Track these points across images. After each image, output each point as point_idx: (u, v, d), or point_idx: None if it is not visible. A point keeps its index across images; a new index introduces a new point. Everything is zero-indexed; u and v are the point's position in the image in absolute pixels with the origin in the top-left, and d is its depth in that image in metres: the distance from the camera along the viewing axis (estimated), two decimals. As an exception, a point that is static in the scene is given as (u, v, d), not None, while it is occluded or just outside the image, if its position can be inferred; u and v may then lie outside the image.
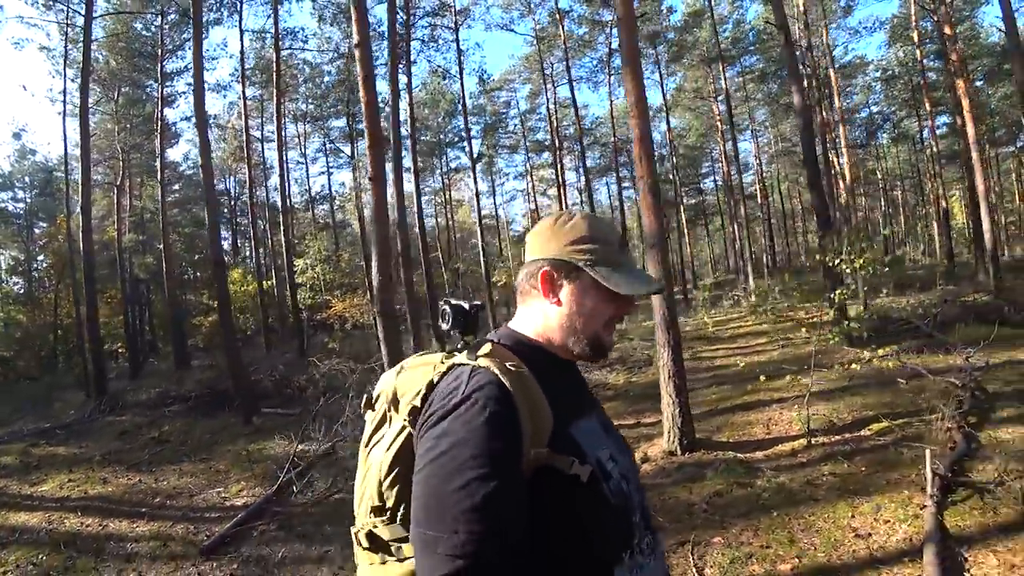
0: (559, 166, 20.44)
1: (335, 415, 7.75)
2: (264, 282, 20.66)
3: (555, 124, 20.90)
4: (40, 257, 26.00)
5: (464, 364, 0.85)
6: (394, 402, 0.89)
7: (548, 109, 20.51)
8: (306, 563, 4.60)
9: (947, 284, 15.20)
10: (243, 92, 16.72)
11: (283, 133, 16.87)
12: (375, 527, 0.87)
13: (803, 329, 12.15)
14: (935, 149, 18.32)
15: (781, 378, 7.81)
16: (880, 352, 9.29)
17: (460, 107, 19.36)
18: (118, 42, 17.09)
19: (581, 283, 0.94)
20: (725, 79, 17.89)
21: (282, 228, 15.68)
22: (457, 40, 17.71)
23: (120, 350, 20.99)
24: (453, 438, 0.75)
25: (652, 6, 19.03)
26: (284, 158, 16.50)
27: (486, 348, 0.88)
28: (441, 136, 24.54)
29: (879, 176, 28.80)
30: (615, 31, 18.42)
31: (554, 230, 0.97)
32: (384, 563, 0.87)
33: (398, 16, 15.22)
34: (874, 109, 25.65)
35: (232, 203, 28.77)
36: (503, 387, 0.79)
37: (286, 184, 16.69)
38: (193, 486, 7.04)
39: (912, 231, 30.15)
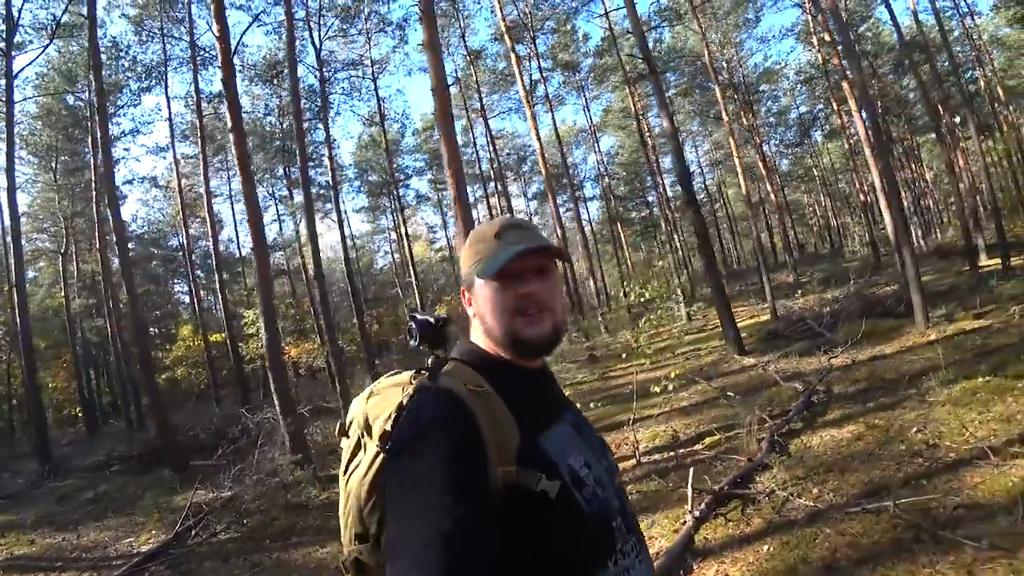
0: (490, 197, 21.10)
1: (244, 463, 8.18)
2: (219, 335, 20.96)
3: (490, 155, 21.64)
4: (-11, 329, 26.02)
5: (427, 388, 0.83)
6: (366, 428, 0.88)
7: (477, 143, 21.39)
8: (179, 595, 5.11)
9: (865, 278, 15.76)
10: (175, 156, 17.33)
11: (213, 195, 17.43)
12: (360, 554, 0.87)
13: (708, 342, 12.70)
14: (846, 146, 19.18)
15: (660, 395, 8.12)
16: (763, 359, 9.85)
17: (395, 152, 20.17)
18: (50, 116, 17.66)
19: (476, 287, 0.96)
20: (635, 102, 18.62)
21: (218, 284, 16.13)
22: (376, 89, 18.47)
23: (78, 414, 21.13)
24: (416, 471, 0.74)
25: (566, 36, 20.01)
26: (215, 218, 17.04)
27: (448, 368, 0.88)
28: (387, 176, 25.18)
29: (816, 173, 29.80)
30: (533, 63, 19.26)
31: (461, 254, 1.02)
32: None
33: (315, 73, 15.91)
34: (803, 109, 26.65)
35: (187, 257, 28.98)
36: (466, 412, 0.78)
37: (219, 241, 17.17)
38: (109, 538, 7.45)
39: (859, 223, 31.03)
